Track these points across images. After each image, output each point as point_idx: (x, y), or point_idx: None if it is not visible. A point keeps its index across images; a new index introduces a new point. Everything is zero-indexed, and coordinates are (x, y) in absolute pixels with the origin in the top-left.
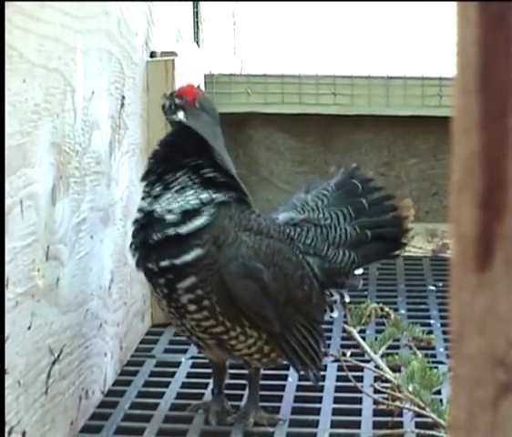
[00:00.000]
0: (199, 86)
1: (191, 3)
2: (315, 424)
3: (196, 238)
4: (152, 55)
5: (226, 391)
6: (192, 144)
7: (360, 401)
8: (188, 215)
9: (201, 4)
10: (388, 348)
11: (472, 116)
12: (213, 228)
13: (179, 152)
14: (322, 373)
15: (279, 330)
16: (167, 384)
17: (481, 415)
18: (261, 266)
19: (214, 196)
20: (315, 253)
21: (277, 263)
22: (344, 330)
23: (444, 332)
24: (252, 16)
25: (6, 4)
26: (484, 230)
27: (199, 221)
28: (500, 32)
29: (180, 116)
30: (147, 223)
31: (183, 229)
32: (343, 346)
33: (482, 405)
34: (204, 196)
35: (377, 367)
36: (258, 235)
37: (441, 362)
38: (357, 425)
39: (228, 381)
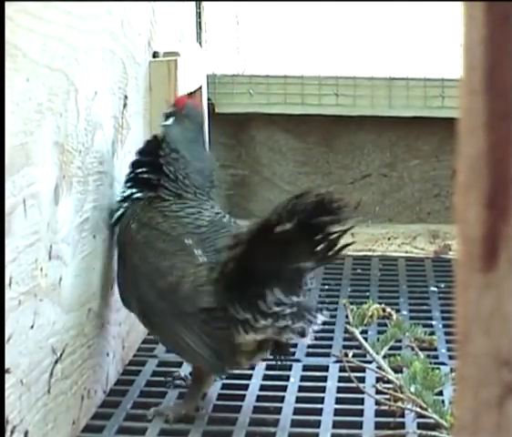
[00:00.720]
0: (197, 97)
1: (194, 3)
2: (317, 425)
3: (117, 225)
4: (155, 55)
5: (227, 392)
6: (154, 145)
7: (362, 401)
8: (117, 206)
9: (204, 4)
10: (390, 349)
11: (478, 117)
12: (125, 218)
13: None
14: (323, 374)
15: (137, 313)
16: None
17: (486, 415)
18: (131, 251)
19: (134, 192)
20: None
21: (143, 251)
22: (346, 331)
23: (446, 333)
24: (255, 17)
25: (8, 3)
26: (490, 230)
27: (117, 214)
28: (507, 32)
29: (169, 122)
30: None
31: (112, 220)
32: (345, 347)
33: (487, 405)
34: (127, 193)
35: (379, 368)
36: (142, 226)
37: (443, 363)
38: (359, 426)
39: (232, 375)
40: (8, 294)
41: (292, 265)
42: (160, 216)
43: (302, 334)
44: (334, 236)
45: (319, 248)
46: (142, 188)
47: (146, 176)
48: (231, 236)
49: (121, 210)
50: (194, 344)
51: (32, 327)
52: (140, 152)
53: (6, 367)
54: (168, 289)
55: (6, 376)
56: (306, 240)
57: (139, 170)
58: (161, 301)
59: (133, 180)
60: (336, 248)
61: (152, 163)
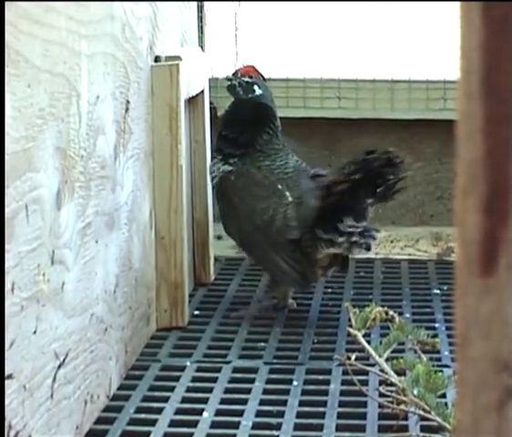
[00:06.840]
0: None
1: (196, 8)
2: (320, 428)
3: (215, 179)
4: (157, 59)
5: (230, 396)
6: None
7: (365, 404)
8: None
9: (206, 8)
10: (393, 351)
11: (475, 121)
12: (224, 172)
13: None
14: (326, 377)
15: (237, 242)
16: (172, 388)
17: (486, 419)
18: (231, 195)
19: (227, 152)
20: None
21: (242, 195)
22: (349, 334)
23: (449, 336)
24: (256, 20)
25: (10, 7)
26: (488, 235)
27: (215, 169)
28: (504, 36)
29: (258, 90)
30: None
31: (212, 174)
32: (347, 350)
33: (487, 409)
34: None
35: (382, 370)
36: (240, 176)
37: (446, 366)
38: (362, 429)
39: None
40: (11, 300)
41: (361, 202)
42: (255, 168)
43: (368, 248)
44: (392, 182)
45: (380, 190)
46: (233, 148)
47: (235, 137)
48: (325, 186)
49: (221, 167)
50: (285, 268)
51: (35, 332)
52: (226, 123)
53: (9, 372)
54: (263, 226)
55: (9, 381)
56: (371, 185)
57: (230, 134)
58: (258, 234)
59: (224, 141)
60: (392, 190)
61: (243, 127)
